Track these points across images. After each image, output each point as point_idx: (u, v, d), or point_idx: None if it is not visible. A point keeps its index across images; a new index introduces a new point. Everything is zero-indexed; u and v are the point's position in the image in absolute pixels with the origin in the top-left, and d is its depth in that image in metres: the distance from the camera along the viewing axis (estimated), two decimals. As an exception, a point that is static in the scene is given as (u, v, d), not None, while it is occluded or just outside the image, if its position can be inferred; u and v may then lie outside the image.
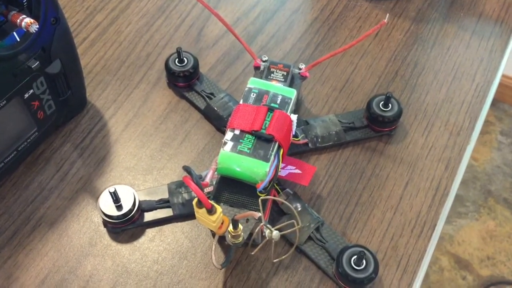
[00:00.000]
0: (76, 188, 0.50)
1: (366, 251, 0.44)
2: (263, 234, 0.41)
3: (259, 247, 0.41)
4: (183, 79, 0.55)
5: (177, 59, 0.55)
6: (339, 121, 0.54)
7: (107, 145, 0.53)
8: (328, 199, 0.50)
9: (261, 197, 0.41)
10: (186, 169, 0.39)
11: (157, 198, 0.49)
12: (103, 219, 0.47)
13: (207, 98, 0.55)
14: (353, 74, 0.59)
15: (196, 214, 0.40)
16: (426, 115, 0.56)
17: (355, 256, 0.44)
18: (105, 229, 0.48)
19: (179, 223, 0.49)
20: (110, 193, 0.46)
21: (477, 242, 1.36)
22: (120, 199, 0.46)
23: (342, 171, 0.52)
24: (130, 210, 0.47)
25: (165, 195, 0.49)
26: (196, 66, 0.55)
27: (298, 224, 0.41)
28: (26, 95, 0.46)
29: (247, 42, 0.62)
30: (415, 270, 0.47)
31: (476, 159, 1.50)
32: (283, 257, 0.44)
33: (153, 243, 0.48)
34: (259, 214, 0.41)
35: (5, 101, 0.44)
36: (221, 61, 0.60)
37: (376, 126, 0.53)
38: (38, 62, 0.45)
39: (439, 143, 0.54)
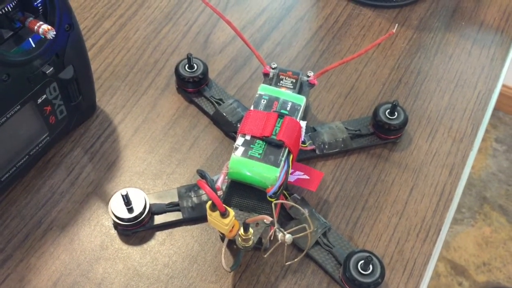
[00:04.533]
0: (86, 192, 0.51)
1: (373, 256, 0.45)
2: (271, 238, 0.42)
3: (271, 250, 0.42)
4: (193, 85, 0.56)
5: (187, 65, 0.56)
6: (345, 128, 0.55)
7: (116, 150, 0.54)
8: (335, 204, 0.51)
9: (274, 201, 0.42)
10: (201, 173, 0.39)
11: (167, 202, 0.50)
12: (113, 221, 0.48)
13: (216, 104, 0.56)
14: (358, 81, 0.61)
15: (209, 217, 0.41)
16: (430, 122, 0.57)
17: (362, 261, 0.45)
18: (116, 232, 0.49)
19: (189, 227, 0.49)
20: (122, 195, 0.46)
21: (473, 248, 1.37)
22: (131, 201, 0.47)
23: (348, 177, 0.53)
24: (141, 213, 0.47)
25: (175, 199, 0.50)
26: (205, 72, 0.56)
27: (310, 228, 0.41)
28: (39, 100, 0.47)
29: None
30: (421, 273, 0.48)
31: (472, 166, 1.51)
32: (295, 260, 0.45)
33: (164, 247, 0.48)
34: (271, 218, 0.41)
35: (19, 106, 0.45)
36: (228, 68, 0.61)
37: (382, 133, 0.54)
38: (52, 67, 0.46)
39: (443, 149, 0.55)
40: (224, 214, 0.40)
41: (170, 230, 0.49)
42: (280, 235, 0.41)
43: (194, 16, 0.66)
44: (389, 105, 0.54)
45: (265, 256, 0.43)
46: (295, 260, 0.45)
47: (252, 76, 0.60)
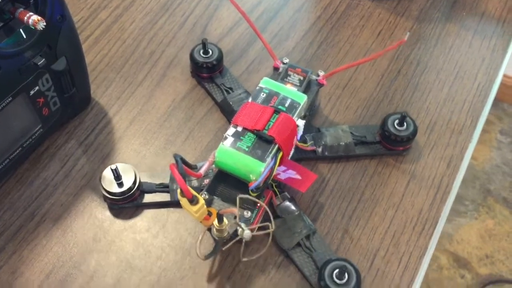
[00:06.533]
0: (80, 184, 0.51)
1: (348, 265, 0.44)
2: (237, 232, 0.42)
3: (230, 243, 0.43)
4: (206, 70, 0.56)
5: (202, 50, 0.56)
6: (351, 133, 0.53)
7: (111, 142, 0.54)
8: (331, 196, 0.51)
9: (239, 195, 0.42)
10: (175, 157, 0.39)
11: (158, 182, 0.50)
12: (103, 194, 0.48)
13: (225, 92, 0.56)
14: (356, 72, 0.60)
15: (181, 202, 0.41)
16: (428, 114, 0.57)
17: (337, 270, 0.44)
18: (109, 225, 0.48)
19: (183, 219, 0.49)
20: (112, 170, 0.47)
21: (476, 241, 1.37)
22: (121, 176, 0.47)
23: (344, 169, 0.52)
24: (130, 188, 0.48)
25: (166, 180, 0.50)
26: (219, 59, 0.56)
27: (272, 228, 0.42)
28: (32, 92, 0.47)
29: (251, 40, 0.62)
30: (416, 267, 0.47)
31: (476, 158, 1.51)
32: (253, 257, 0.45)
33: (157, 240, 0.48)
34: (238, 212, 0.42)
35: (11, 98, 0.45)
36: (224, 59, 0.60)
37: (389, 144, 0.52)
38: (44, 59, 0.45)
39: (441, 141, 0.55)
40: (192, 201, 0.39)
41: (163, 223, 0.49)
42: (239, 231, 0.41)
43: (191, 7, 0.65)
44: (398, 115, 0.52)
45: (223, 249, 0.43)
46: (253, 257, 0.45)
47: (249, 68, 0.60)
